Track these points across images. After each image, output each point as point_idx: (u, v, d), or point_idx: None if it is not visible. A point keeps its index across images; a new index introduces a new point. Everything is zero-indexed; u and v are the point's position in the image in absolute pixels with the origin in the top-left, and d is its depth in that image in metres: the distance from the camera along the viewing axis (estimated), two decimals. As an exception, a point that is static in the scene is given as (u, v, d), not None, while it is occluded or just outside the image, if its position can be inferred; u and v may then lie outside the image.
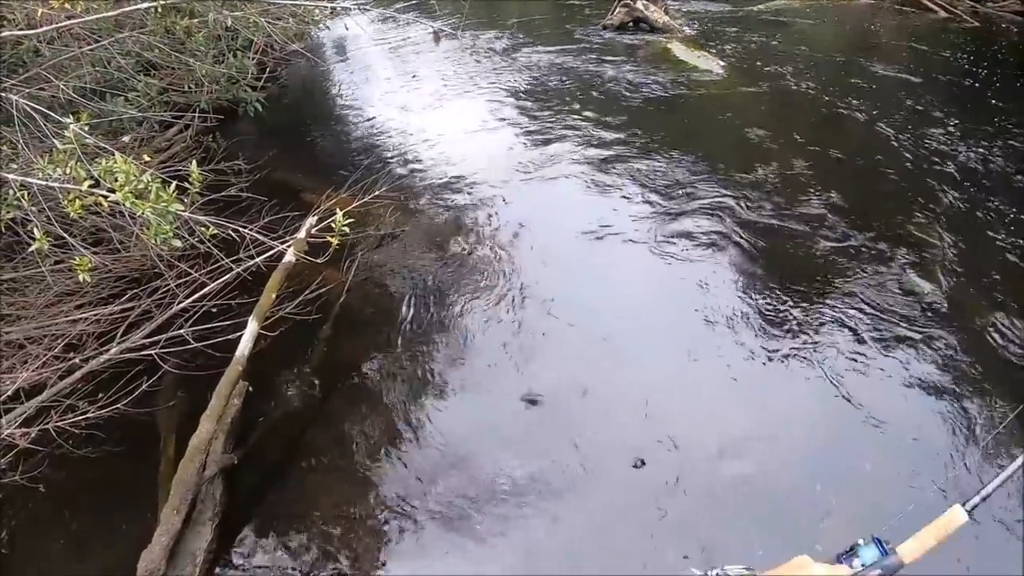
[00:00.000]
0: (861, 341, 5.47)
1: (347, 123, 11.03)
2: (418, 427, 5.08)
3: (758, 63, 11.95)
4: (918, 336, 5.50)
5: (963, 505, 1.56)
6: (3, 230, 4.25)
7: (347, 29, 7.02)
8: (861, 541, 1.56)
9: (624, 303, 6.16)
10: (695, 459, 4.62)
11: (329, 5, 7.17)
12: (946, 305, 5.82)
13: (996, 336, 5.50)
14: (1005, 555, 4.02)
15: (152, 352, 4.78)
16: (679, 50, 12.71)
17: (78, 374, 4.68)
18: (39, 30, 4.73)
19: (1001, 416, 4.74)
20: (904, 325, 5.61)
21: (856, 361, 5.32)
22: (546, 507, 4.43)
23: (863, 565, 1.52)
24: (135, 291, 5.50)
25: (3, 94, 4.42)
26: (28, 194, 3.74)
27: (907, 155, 8.34)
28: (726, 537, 4.14)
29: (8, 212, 4.03)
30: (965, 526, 1.51)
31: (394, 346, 5.88)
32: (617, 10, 14.25)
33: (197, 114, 8.12)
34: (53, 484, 4.67)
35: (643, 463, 4.56)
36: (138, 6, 4.44)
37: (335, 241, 3.90)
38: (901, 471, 4.45)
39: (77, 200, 3.53)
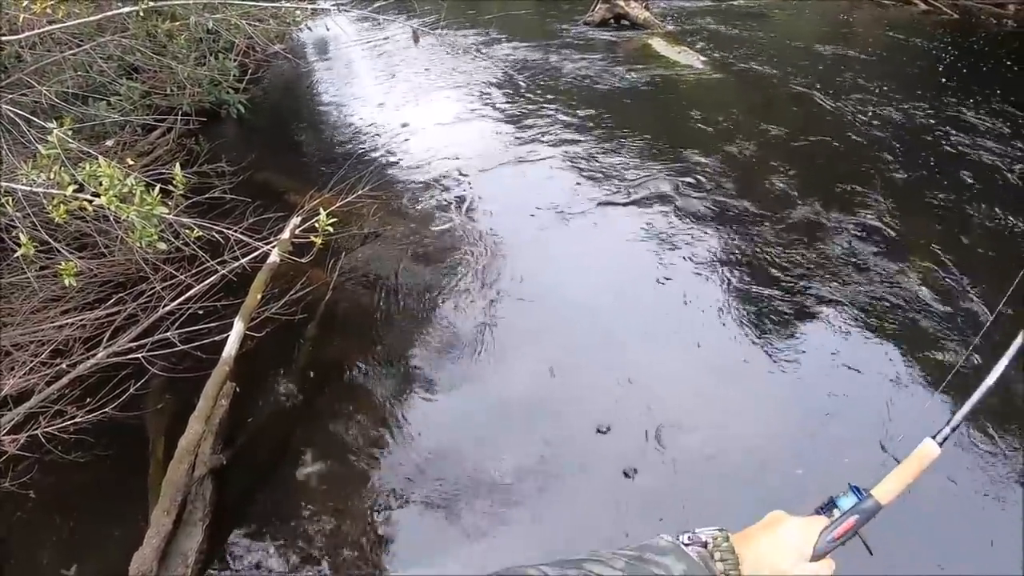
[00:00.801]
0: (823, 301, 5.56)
1: (329, 123, 11.06)
2: (405, 424, 5.09)
3: (738, 58, 12.02)
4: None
5: (934, 438, 1.49)
6: (-12, 235, 4.24)
7: (328, 30, 7.04)
8: (840, 493, 1.48)
9: (604, 292, 6.24)
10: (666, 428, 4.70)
11: (309, 6, 7.19)
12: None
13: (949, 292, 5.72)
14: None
15: (139, 355, 4.78)
16: (660, 45, 12.78)
17: (65, 379, 4.67)
18: (21, 35, 4.72)
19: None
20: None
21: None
22: (535, 500, 4.45)
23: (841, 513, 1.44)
24: (121, 295, 5.49)
25: (-15, 100, 4.42)
26: (12, 200, 3.74)
27: (877, 139, 8.48)
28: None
29: (-6, 217, 4.02)
30: (938, 458, 1.45)
31: (380, 344, 5.90)
32: (598, 7, 14.33)
33: (180, 117, 8.11)
34: (43, 489, 4.69)
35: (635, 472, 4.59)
36: (120, 10, 4.44)
37: (319, 241, 3.93)
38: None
39: (62, 205, 3.54)
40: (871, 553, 1.38)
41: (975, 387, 1.51)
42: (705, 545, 1.19)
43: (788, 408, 4.97)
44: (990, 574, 3.88)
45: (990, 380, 1.52)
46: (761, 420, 4.83)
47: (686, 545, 1.18)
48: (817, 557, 1.27)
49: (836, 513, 1.41)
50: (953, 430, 1.49)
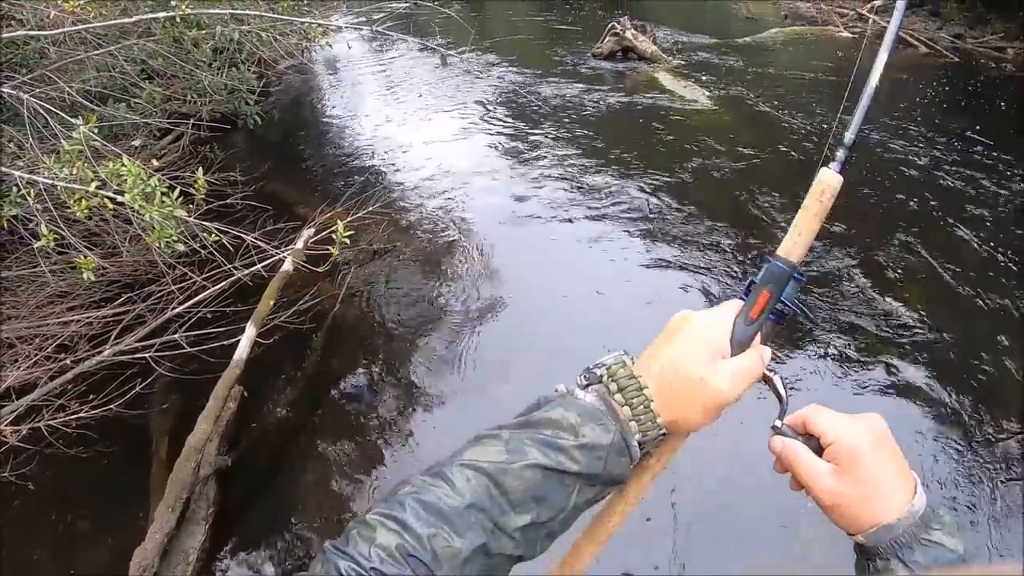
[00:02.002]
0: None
1: (339, 139, 11.15)
2: (407, 437, 5.13)
3: (743, 94, 12.17)
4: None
5: (829, 166, 1.24)
6: (3, 226, 4.26)
7: (350, 47, 7.07)
8: (756, 271, 1.19)
9: (611, 311, 6.31)
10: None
11: (331, 24, 7.27)
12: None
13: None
14: None
15: (146, 355, 4.81)
16: (666, 79, 12.94)
17: (69, 375, 4.69)
18: (49, 32, 4.78)
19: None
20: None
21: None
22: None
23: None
24: (129, 295, 5.52)
25: (12, 92, 4.46)
26: (34, 192, 3.78)
27: (876, 180, 8.58)
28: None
29: (11, 209, 4.04)
30: (842, 187, 1.21)
31: (385, 358, 5.93)
32: (607, 39, 14.49)
33: (194, 123, 8.16)
34: (43, 482, 4.69)
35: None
36: (156, 15, 4.51)
37: (336, 252, 3.99)
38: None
39: (83, 200, 3.58)
40: (812, 319, 1.12)
41: (858, 98, 1.27)
42: (601, 379, 0.99)
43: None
44: None
45: (873, 80, 1.28)
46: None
47: (583, 387, 1.01)
48: (738, 348, 1.06)
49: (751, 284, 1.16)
50: (850, 150, 1.26)
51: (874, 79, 1.28)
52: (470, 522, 0.85)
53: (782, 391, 1.11)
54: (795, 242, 1.18)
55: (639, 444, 0.95)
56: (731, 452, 4.50)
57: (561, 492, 0.90)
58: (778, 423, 1.07)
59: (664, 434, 0.97)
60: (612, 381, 0.97)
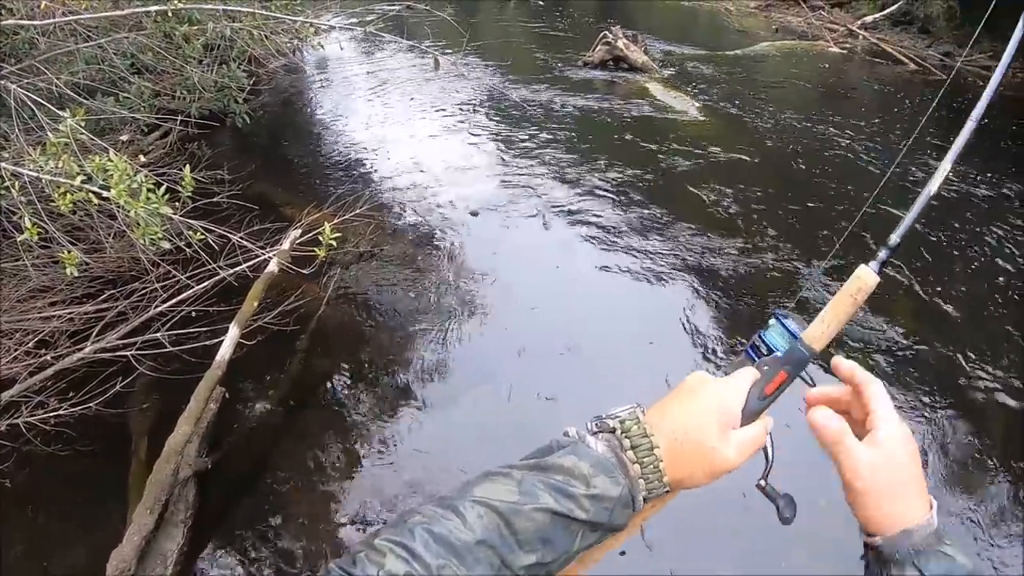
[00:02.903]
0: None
1: (328, 140, 11.12)
2: (389, 442, 5.10)
3: (732, 106, 12.20)
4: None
5: (868, 264, 1.25)
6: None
7: (342, 48, 7.04)
8: (772, 322, 1.28)
9: (599, 317, 6.34)
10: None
11: (323, 24, 7.23)
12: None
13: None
14: None
15: (127, 353, 4.75)
16: (656, 90, 12.94)
17: (49, 371, 4.64)
18: (39, 22, 4.73)
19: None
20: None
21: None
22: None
23: (775, 350, 1.23)
24: (112, 291, 5.46)
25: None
26: (18, 184, 3.72)
27: (862, 196, 8.60)
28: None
29: (-3, 202, 3.99)
30: (878, 288, 1.23)
31: (369, 361, 5.91)
32: (598, 48, 14.48)
33: (183, 120, 8.10)
34: (20, 480, 4.64)
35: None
36: (148, 8, 4.46)
37: (323, 253, 3.94)
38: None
39: (68, 194, 3.53)
40: (812, 385, 1.20)
41: (912, 200, 1.28)
42: (613, 431, 1.02)
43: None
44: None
45: (932, 187, 1.31)
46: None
47: (594, 433, 1.03)
48: (748, 419, 1.10)
49: (764, 349, 1.24)
50: (892, 252, 1.28)
51: (934, 185, 1.30)
52: (479, 557, 0.87)
53: (771, 452, 1.14)
54: (822, 332, 1.21)
55: (643, 498, 0.99)
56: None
57: (567, 536, 0.92)
58: (762, 482, 1.12)
59: (668, 491, 1.01)
60: (625, 437, 1.00)
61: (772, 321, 1.29)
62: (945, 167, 1.33)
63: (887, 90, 13.60)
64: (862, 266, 1.25)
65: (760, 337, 1.27)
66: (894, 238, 1.27)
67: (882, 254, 1.26)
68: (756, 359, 1.25)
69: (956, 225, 7.85)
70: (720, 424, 1.03)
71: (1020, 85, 13.19)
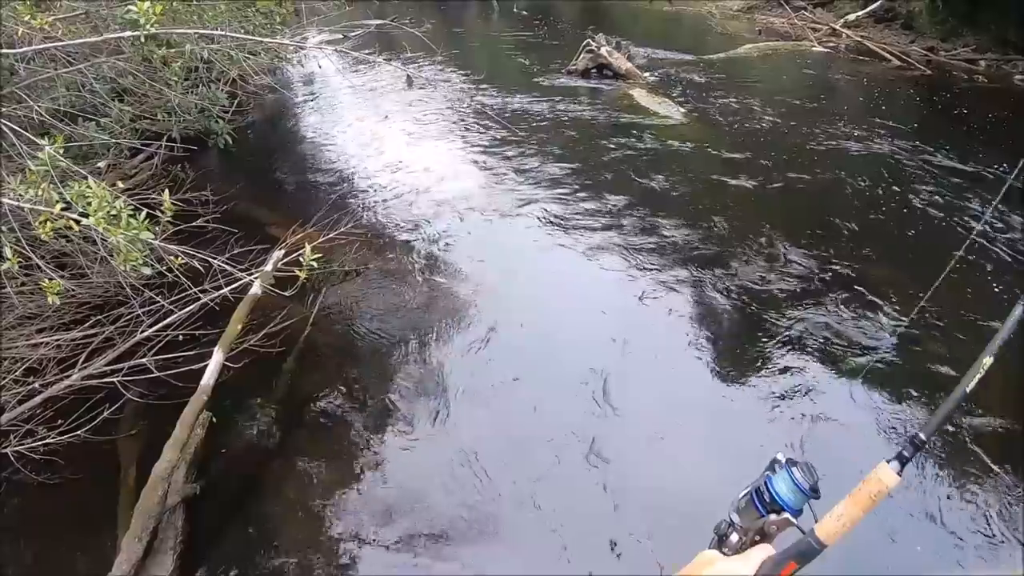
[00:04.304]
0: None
1: (313, 158, 11.14)
2: (377, 463, 5.09)
3: (716, 110, 12.31)
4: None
5: (889, 462, 1.22)
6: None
7: (320, 67, 7.03)
8: (780, 470, 1.29)
9: (589, 330, 6.34)
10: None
11: (302, 44, 7.23)
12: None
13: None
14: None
15: (114, 380, 4.73)
16: (641, 96, 12.98)
17: (38, 399, 4.62)
18: (18, 50, 4.72)
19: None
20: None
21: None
22: (505, 548, 4.44)
23: (781, 502, 1.25)
24: (98, 317, 5.44)
25: (-23, 112, 4.39)
26: (-1, 213, 3.72)
27: (848, 190, 8.69)
28: None
29: (-25, 232, 3.98)
30: (897, 487, 1.20)
31: (356, 381, 5.90)
32: (582, 56, 14.54)
33: (166, 143, 8.09)
34: (9, 509, 4.65)
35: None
36: (121, 34, 4.45)
37: (303, 275, 3.93)
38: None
39: (48, 222, 3.52)
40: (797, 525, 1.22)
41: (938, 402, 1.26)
42: None
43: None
44: None
45: (967, 386, 1.27)
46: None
47: None
48: None
49: (768, 497, 1.26)
50: (917, 449, 1.25)
51: (969, 383, 1.27)
52: None
53: None
54: (834, 527, 1.19)
55: None
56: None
57: None
58: None
59: None
60: None
61: (779, 469, 1.29)
62: (985, 363, 1.29)
63: (871, 87, 13.65)
64: (883, 464, 1.23)
65: (767, 484, 1.26)
66: (923, 435, 1.24)
67: (906, 452, 1.24)
68: (762, 511, 1.25)
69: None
70: None
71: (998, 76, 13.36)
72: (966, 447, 4.87)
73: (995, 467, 4.72)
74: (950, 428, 4.92)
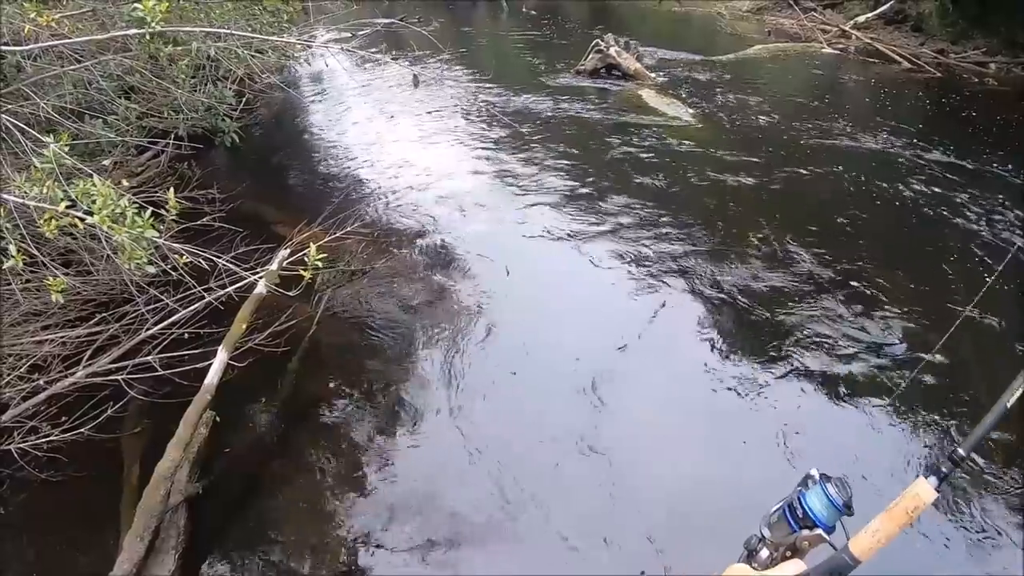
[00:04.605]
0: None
1: (320, 157, 11.13)
2: (382, 463, 5.07)
3: (725, 111, 12.25)
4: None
5: (927, 477, 1.21)
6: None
7: (327, 66, 7.03)
8: (812, 486, 1.29)
9: (586, 332, 6.29)
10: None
11: (309, 42, 7.21)
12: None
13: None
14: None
15: (119, 377, 4.73)
16: (649, 97, 12.94)
17: (42, 396, 4.62)
18: (24, 47, 4.72)
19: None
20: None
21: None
22: (507, 549, 4.42)
23: (815, 519, 1.25)
24: (103, 315, 5.44)
25: (-18, 108, 4.39)
26: (4, 210, 3.71)
27: (854, 193, 8.61)
28: None
29: (-20, 228, 3.96)
30: (935, 503, 1.19)
31: (361, 381, 5.88)
32: (591, 56, 14.51)
33: (172, 141, 8.10)
34: (13, 506, 4.65)
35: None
36: (127, 31, 4.44)
37: (308, 275, 3.92)
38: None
39: (53, 220, 3.51)
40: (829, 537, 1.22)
41: (979, 417, 1.25)
42: None
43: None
44: None
45: (1008, 400, 1.25)
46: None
47: None
48: None
49: (800, 513, 1.26)
50: (956, 466, 1.23)
51: (1011, 399, 1.25)
52: None
53: None
54: (869, 544, 1.19)
55: None
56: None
57: None
58: None
59: None
60: None
61: (813, 485, 1.29)
62: (1015, 394, 1.27)
63: (881, 90, 13.61)
64: (920, 480, 1.22)
65: (800, 500, 1.26)
66: (961, 451, 1.24)
67: (945, 468, 1.23)
68: (794, 526, 1.26)
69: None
70: None
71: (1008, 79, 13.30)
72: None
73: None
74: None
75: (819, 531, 1.24)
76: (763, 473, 4.53)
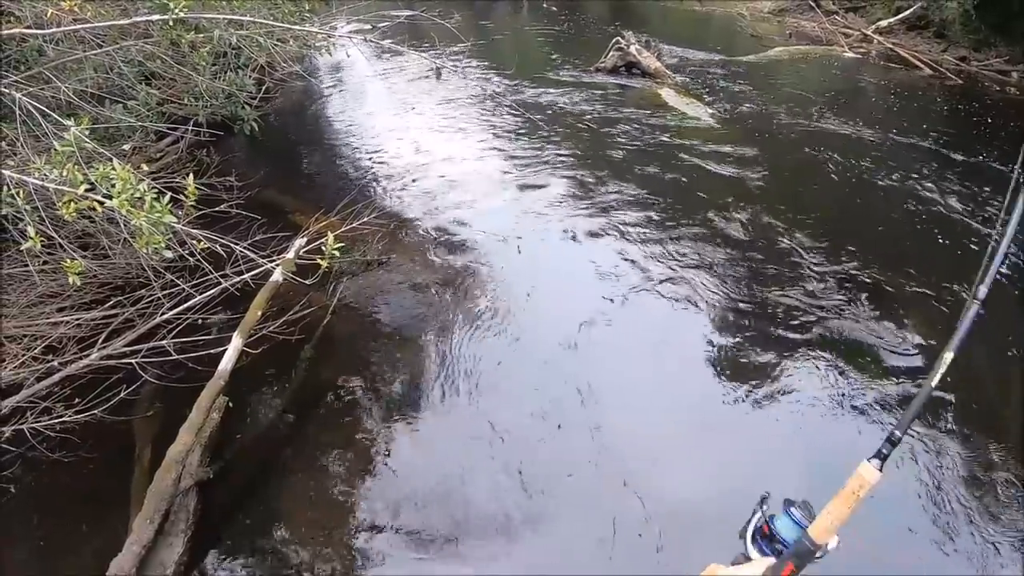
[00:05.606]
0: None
1: (339, 147, 11.14)
2: (392, 453, 5.08)
3: (745, 112, 12.21)
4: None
5: (870, 460, 1.35)
6: (-4, 226, 4.22)
7: (348, 56, 7.00)
8: (772, 514, 1.41)
9: (611, 334, 6.24)
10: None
11: (333, 33, 7.22)
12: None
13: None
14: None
15: (133, 360, 4.76)
16: (669, 96, 12.91)
17: (56, 377, 4.66)
18: (46, 31, 4.74)
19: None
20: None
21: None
22: (515, 541, 4.42)
23: (783, 542, 1.37)
24: (119, 298, 5.48)
25: (5, 90, 4.41)
26: (24, 192, 3.73)
27: (874, 200, 8.61)
28: None
29: (1, 208, 4.00)
30: (878, 483, 1.30)
31: (374, 371, 5.89)
32: (611, 53, 14.49)
33: (192, 128, 8.13)
34: (24, 485, 4.68)
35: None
36: (149, 17, 4.46)
37: (325, 264, 3.93)
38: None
39: (72, 203, 3.53)
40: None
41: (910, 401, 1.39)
42: None
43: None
44: None
45: (932, 381, 1.41)
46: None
47: None
48: None
49: (771, 536, 1.39)
50: (894, 446, 1.38)
51: (934, 379, 1.43)
52: None
53: None
54: (825, 526, 1.34)
55: None
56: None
57: None
58: None
59: None
60: None
61: (782, 514, 1.42)
62: (946, 359, 1.44)
63: (902, 95, 13.53)
64: (864, 463, 1.36)
65: (770, 525, 1.40)
66: (897, 433, 1.39)
67: (884, 449, 1.37)
68: (764, 549, 1.39)
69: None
70: None
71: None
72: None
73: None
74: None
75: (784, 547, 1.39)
76: (760, 472, 4.56)
